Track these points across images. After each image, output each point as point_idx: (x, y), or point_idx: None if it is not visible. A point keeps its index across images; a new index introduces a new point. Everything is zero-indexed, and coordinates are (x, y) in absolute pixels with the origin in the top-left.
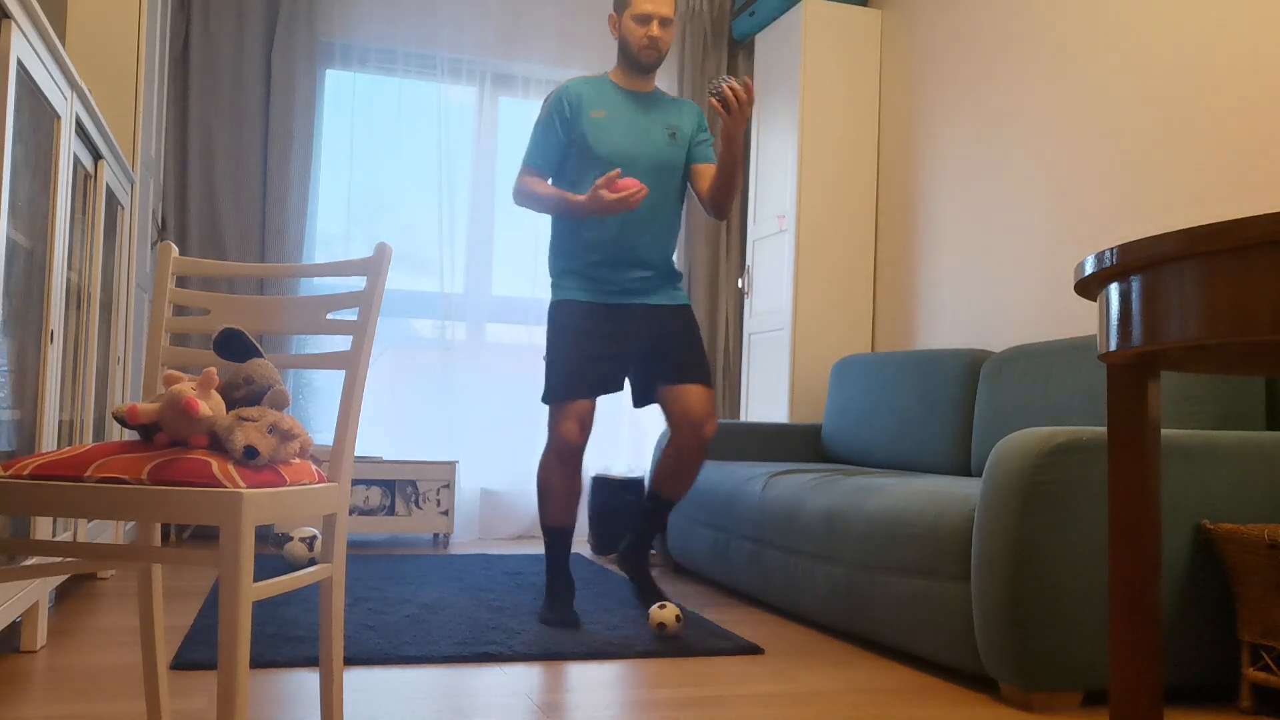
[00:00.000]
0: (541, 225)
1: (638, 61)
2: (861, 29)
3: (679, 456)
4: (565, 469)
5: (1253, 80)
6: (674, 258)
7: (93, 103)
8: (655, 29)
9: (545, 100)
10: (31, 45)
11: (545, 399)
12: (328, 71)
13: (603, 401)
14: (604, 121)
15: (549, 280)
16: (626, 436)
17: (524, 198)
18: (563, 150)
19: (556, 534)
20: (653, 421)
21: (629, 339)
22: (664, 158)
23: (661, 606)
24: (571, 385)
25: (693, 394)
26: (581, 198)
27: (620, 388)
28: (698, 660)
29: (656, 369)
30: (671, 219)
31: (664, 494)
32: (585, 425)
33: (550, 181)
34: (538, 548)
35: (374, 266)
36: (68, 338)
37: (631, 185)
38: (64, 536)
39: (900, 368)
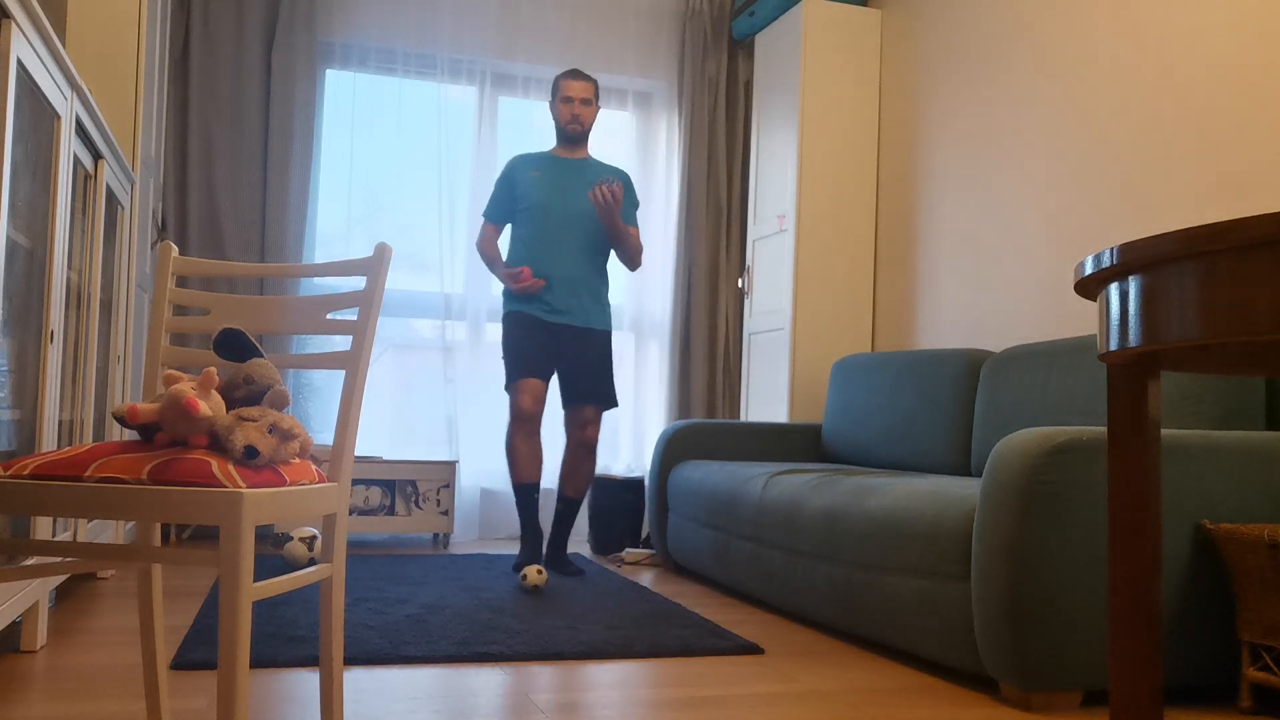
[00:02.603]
0: None
1: (565, 134)
2: (861, 29)
3: (573, 460)
4: (524, 432)
5: (1253, 80)
6: (603, 292)
7: (93, 103)
8: (577, 108)
9: (504, 167)
10: (31, 45)
11: (506, 384)
12: (328, 71)
13: None
14: (537, 180)
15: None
16: (626, 437)
17: (481, 255)
18: (512, 205)
19: (524, 489)
20: (653, 422)
21: (559, 348)
22: (584, 210)
23: (539, 572)
24: (522, 368)
25: (588, 412)
26: (503, 271)
27: (550, 377)
28: (698, 660)
29: (574, 384)
30: (596, 258)
31: (568, 493)
32: (538, 398)
33: (508, 226)
34: None
35: (374, 266)
36: (68, 338)
37: (526, 276)
38: (64, 536)
39: (900, 368)
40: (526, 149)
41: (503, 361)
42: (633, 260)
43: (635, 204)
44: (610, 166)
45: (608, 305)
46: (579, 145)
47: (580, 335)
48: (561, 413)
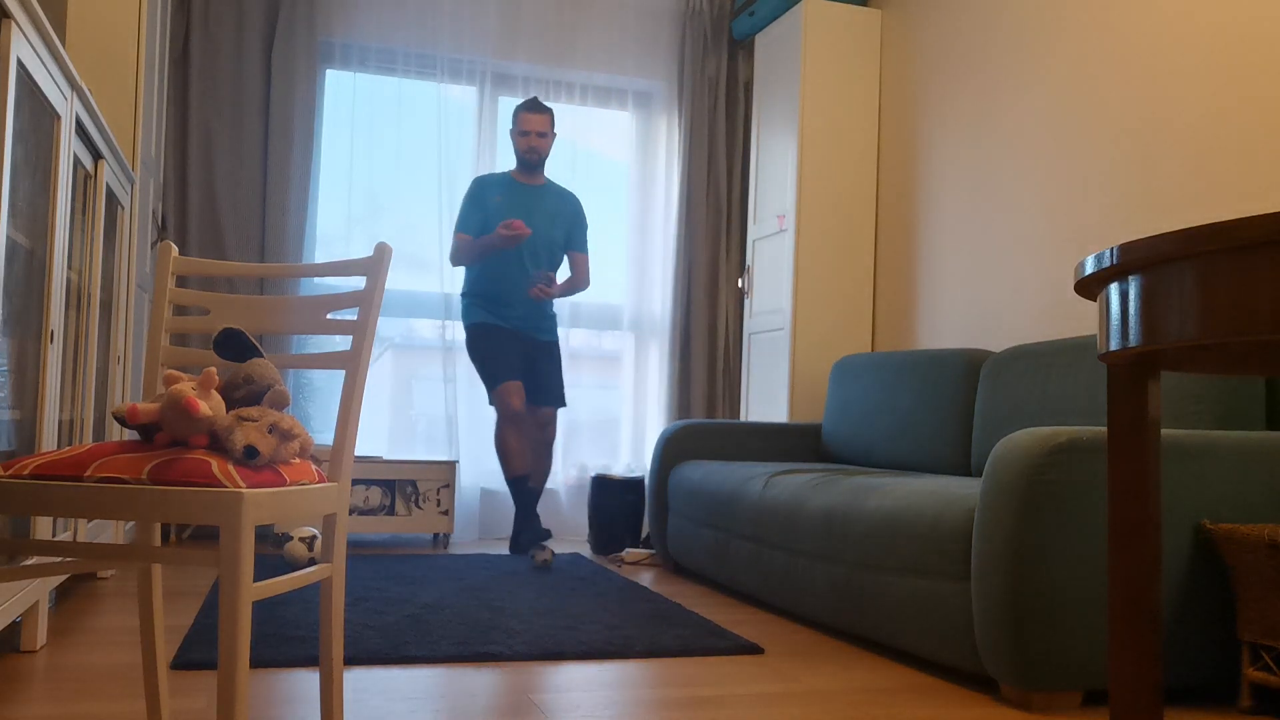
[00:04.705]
0: None
1: (524, 162)
2: (861, 29)
3: (536, 453)
4: (515, 430)
5: (1252, 80)
6: (550, 307)
7: (93, 103)
8: (533, 140)
9: (469, 187)
10: (31, 45)
11: (489, 392)
12: (328, 71)
13: (602, 403)
14: (499, 204)
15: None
16: (627, 437)
17: (458, 254)
18: (481, 220)
19: (518, 482)
20: (653, 422)
21: (524, 352)
22: (540, 233)
23: (543, 548)
24: (502, 372)
25: (546, 413)
26: (489, 236)
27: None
28: (698, 660)
29: (533, 389)
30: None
31: (531, 482)
32: (521, 397)
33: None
34: None
35: (374, 266)
36: (68, 338)
37: (519, 226)
38: (64, 536)
39: (900, 368)
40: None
41: (478, 373)
42: (581, 289)
43: (586, 227)
44: (565, 191)
45: (555, 318)
46: (536, 172)
47: (538, 346)
48: (493, 416)
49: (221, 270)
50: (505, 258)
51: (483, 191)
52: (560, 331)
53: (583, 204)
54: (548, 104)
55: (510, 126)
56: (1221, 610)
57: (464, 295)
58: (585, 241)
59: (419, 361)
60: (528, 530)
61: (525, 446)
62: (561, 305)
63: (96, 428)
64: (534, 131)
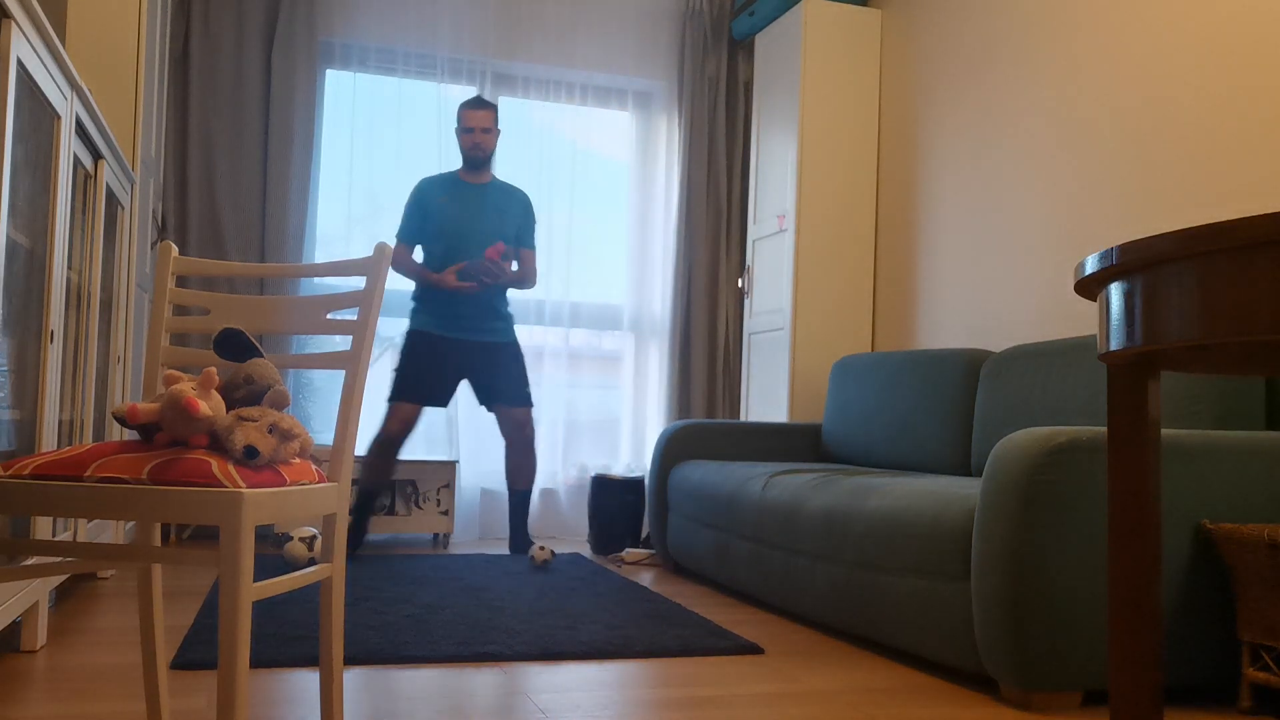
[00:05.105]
0: (543, 225)
1: (469, 160)
2: (861, 29)
3: (515, 458)
4: (382, 450)
5: (1253, 80)
6: (504, 307)
7: (93, 103)
8: (477, 136)
9: (412, 190)
10: (31, 45)
11: (388, 399)
12: (328, 71)
13: (602, 404)
14: (444, 204)
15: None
16: (627, 437)
17: (397, 265)
18: (423, 226)
19: (365, 493)
20: (653, 422)
21: (467, 361)
22: (488, 233)
23: (541, 548)
24: (404, 390)
25: (517, 414)
26: (437, 276)
27: (444, 404)
28: (698, 660)
29: (492, 392)
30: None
31: (518, 487)
32: (407, 423)
33: (417, 246)
34: None
35: (374, 266)
36: (68, 338)
37: (470, 287)
38: (64, 536)
39: (900, 368)
40: (436, 169)
41: (393, 377)
42: (527, 286)
43: (534, 224)
44: (512, 188)
45: (510, 318)
46: (483, 170)
47: (489, 349)
48: (490, 416)
49: (221, 270)
50: (453, 262)
51: (426, 194)
52: (560, 331)
53: (531, 200)
54: (492, 100)
55: (455, 125)
56: (1221, 610)
57: (413, 298)
58: (533, 237)
59: None
60: (354, 536)
61: (386, 467)
62: (561, 305)
63: (96, 428)
64: (478, 128)
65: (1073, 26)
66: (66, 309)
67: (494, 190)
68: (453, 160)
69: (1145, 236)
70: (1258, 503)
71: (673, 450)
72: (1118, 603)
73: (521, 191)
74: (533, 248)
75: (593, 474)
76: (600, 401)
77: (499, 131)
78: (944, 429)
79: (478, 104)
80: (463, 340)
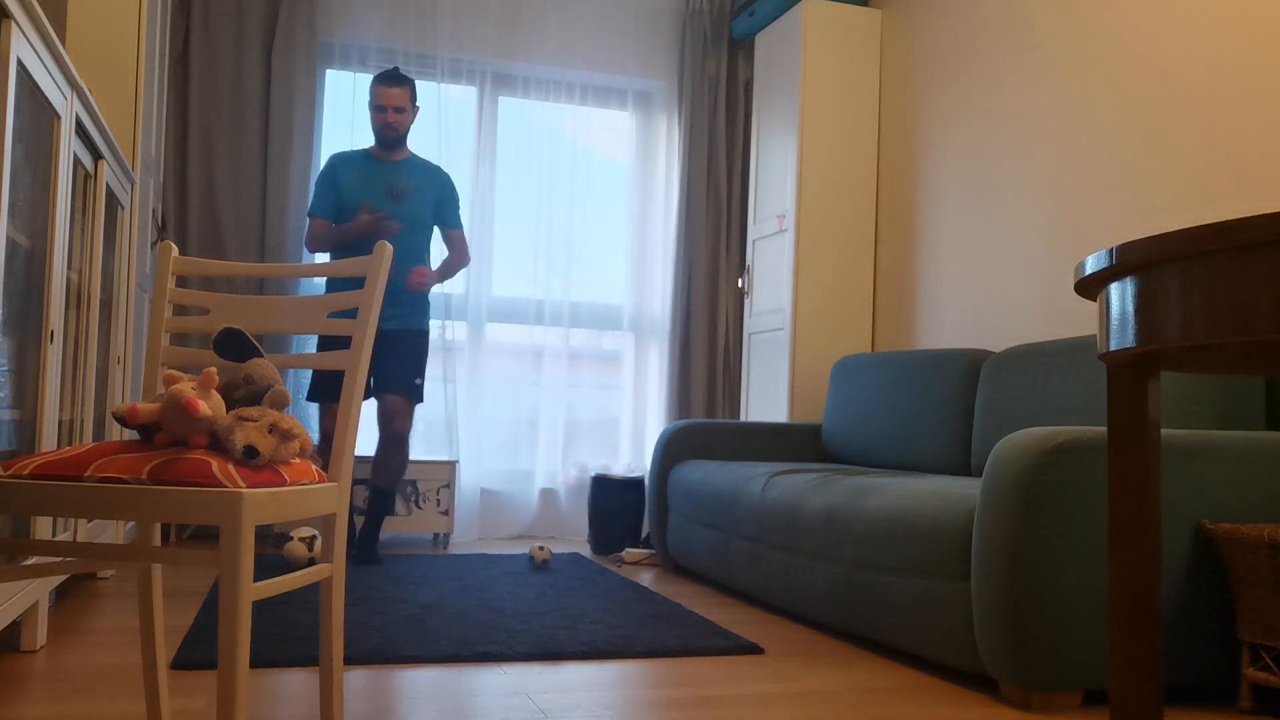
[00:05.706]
0: (543, 225)
1: (380, 138)
2: (861, 29)
3: (383, 452)
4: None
5: (1253, 80)
6: (427, 294)
7: (93, 103)
8: (390, 115)
9: (324, 166)
10: (31, 45)
11: (308, 398)
12: (328, 71)
13: (602, 403)
14: (355, 182)
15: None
16: (626, 437)
17: (314, 241)
18: (334, 201)
19: (378, 493)
20: (653, 422)
21: (376, 350)
22: (401, 213)
23: (540, 549)
24: (323, 391)
25: (391, 401)
26: (354, 225)
27: (365, 397)
28: (698, 660)
29: (380, 377)
30: (414, 260)
31: (379, 483)
32: (328, 422)
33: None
34: None
35: (374, 266)
36: (68, 338)
37: (389, 226)
38: (64, 536)
39: (900, 368)
40: (343, 147)
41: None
42: (463, 266)
43: (456, 202)
44: (430, 165)
45: (427, 305)
46: (397, 147)
47: (397, 335)
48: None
49: (221, 270)
50: (364, 243)
51: (337, 170)
52: (560, 331)
53: (452, 178)
54: (409, 75)
55: (368, 100)
56: (1221, 610)
57: (329, 289)
58: (458, 216)
59: None
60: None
61: (380, 466)
62: (561, 305)
63: (96, 428)
64: (390, 107)
65: (1072, 27)
66: (66, 309)
67: (409, 167)
68: (453, 160)
69: (1145, 236)
70: (1258, 503)
71: (673, 450)
72: (1118, 603)
73: (440, 169)
74: (459, 227)
75: (593, 474)
76: (600, 401)
77: (417, 109)
78: (944, 429)
79: (392, 78)
80: (380, 330)
